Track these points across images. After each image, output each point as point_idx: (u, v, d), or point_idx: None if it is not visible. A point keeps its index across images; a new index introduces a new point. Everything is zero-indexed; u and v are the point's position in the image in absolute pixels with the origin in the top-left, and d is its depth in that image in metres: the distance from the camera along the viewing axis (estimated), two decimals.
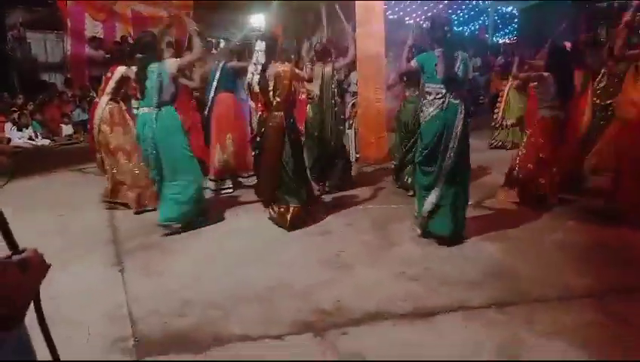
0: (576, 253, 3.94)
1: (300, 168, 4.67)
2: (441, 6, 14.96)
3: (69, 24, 10.39)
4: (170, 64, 4.36)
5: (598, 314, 2.98)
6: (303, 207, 4.57)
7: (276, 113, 4.42)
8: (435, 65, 3.95)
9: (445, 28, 3.99)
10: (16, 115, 8.77)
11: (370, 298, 3.24)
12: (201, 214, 4.64)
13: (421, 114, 4.12)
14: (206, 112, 5.88)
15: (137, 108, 4.64)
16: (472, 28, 18.22)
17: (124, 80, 5.08)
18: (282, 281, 3.51)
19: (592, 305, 3.10)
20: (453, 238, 4.06)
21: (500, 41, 18.04)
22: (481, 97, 12.42)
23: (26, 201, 5.53)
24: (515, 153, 5.45)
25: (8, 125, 8.67)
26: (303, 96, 10.70)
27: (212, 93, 5.79)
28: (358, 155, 7.67)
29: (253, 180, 5.69)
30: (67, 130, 9.48)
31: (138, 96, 4.56)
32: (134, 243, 4.29)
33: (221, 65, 5.77)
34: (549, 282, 3.41)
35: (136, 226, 4.74)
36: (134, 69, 4.58)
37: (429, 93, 4.00)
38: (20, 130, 8.69)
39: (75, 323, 2.93)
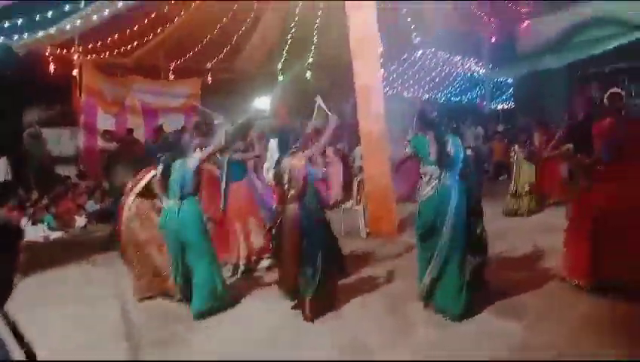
0: (600, 326, 3.87)
1: (322, 256, 4.44)
2: (437, 79, 15.62)
3: (82, 119, 10.86)
4: (193, 161, 4.67)
5: None
6: (321, 297, 4.43)
7: (290, 206, 4.40)
8: (428, 147, 4.18)
9: (433, 113, 4.36)
10: (31, 211, 8.98)
11: None
12: (229, 303, 4.78)
13: (419, 192, 4.35)
14: (222, 207, 5.93)
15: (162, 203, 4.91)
16: (470, 97, 18.85)
17: (153, 182, 5.22)
18: None
19: None
20: (459, 316, 4.07)
21: (498, 108, 18.57)
22: (485, 164, 12.61)
23: (41, 296, 5.54)
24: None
25: (24, 221, 8.84)
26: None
27: (223, 187, 5.90)
28: (368, 230, 7.71)
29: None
30: (80, 221, 9.63)
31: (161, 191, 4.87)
32: (152, 337, 4.27)
33: (226, 160, 5.91)
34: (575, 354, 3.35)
35: (153, 317, 4.75)
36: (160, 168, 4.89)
37: (425, 174, 4.26)
38: (34, 224, 8.86)
39: None
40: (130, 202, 5.28)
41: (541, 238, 6.37)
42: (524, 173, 8.52)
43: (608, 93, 4.70)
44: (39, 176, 10.31)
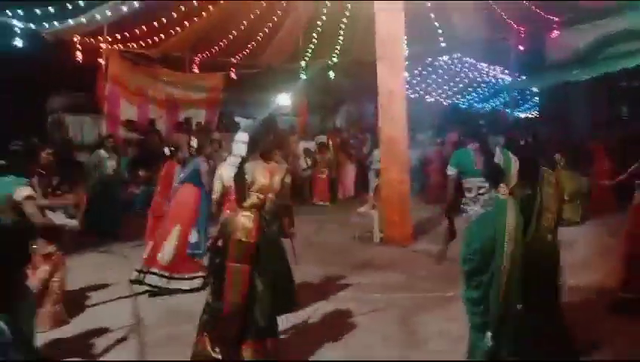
0: None
1: (273, 291, 3.50)
2: (461, 85, 15.43)
3: (105, 108, 10.97)
4: (21, 189, 3.68)
5: None
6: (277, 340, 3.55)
7: (247, 213, 3.46)
8: (473, 158, 3.64)
9: (480, 121, 3.73)
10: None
11: None
12: None
13: (464, 214, 3.69)
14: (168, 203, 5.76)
15: None
16: (493, 104, 18.61)
17: None
18: None
19: None
20: None
21: (522, 116, 18.28)
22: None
23: None
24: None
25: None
26: (324, 176, 11.20)
27: (176, 184, 5.73)
28: (382, 235, 7.67)
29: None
30: None
31: None
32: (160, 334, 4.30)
33: (195, 162, 5.71)
34: None
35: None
36: None
37: (469, 190, 3.70)
38: (53, 211, 8.97)
39: None
40: None
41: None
42: (565, 182, 8.42)
43: None
44: (59, 162, 10.43)
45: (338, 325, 4.40)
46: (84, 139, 11.42)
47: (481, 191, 3.53)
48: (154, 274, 5.31)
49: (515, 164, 3.27)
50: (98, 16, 9.44)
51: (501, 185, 3.21)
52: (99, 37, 10.59)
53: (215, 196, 3.83)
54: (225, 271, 3.39)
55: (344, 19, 11.98)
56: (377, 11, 7.78)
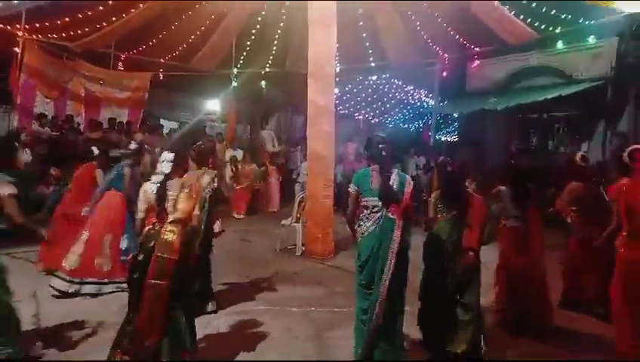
0: None
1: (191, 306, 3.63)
2: (388, 105, 15.98)
3: (18, 100, 10.25)
4: None
5: None
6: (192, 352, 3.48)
7: (171, 228, 3.40)
8: (370, 179, 3.84)
9: (380, 145, 3.88)
10: None
11: None
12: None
13: (358, 228, 3.87)
14: (88, 208, 5.66)
15: None
16: (417, 126, 19.42)
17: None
18: None
19: None
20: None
21: (443, 139, 19.20)
22: (424, 195, 12.88)
23: None
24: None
25: None
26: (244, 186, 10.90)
27: (99, 189, 5.65)
28: (303, 248, 7.71)
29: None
30: None
31: None
32: None
33: (119, 167, 5.68)
34: None
35: None
36: None
37: (366, 208, 3.81)
38: None
39: None
40: None
41: None
42: None
43: (630, 149, 4.16)
44: None
45: (253, 337, 4.37)
46: None
47: (374, 210, 3.76)
48: (62, 279, 5.24)
49: (408, 186, 3.84)
50: (15, 2, 8.85)
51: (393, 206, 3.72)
52: (16, 24, 9.91)
53: (141, 215, 3.63)
54: (143, 286, 3.30)
55: (278, 30, 12.02)
56: (311, 25, 7.85)
